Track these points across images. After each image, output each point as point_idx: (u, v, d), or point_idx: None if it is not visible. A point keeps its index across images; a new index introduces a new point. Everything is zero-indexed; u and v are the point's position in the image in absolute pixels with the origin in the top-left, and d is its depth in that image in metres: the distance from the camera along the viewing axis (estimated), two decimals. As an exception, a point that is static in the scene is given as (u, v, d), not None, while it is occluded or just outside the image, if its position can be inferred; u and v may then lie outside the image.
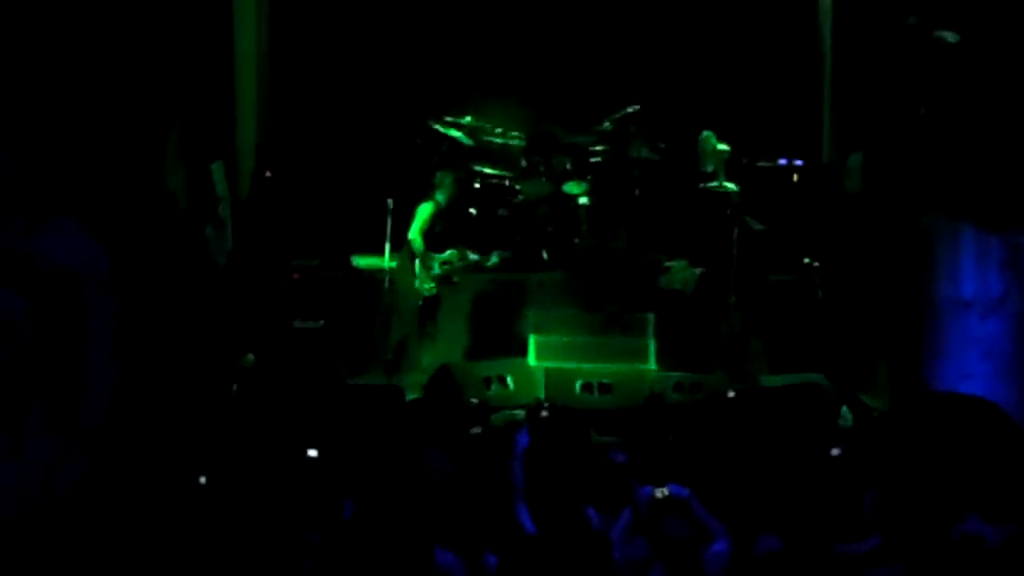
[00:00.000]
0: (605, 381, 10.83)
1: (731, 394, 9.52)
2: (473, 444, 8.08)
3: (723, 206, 12.22)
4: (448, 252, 11.67)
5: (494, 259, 12.08)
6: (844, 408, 9.47)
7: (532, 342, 11.35)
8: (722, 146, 12.70)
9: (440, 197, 11.78)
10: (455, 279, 11.70)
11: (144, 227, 9.48)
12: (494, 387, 10.75)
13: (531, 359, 11.27)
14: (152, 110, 10.25)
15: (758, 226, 11.84)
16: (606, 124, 12.81)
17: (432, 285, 11.60)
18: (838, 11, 13.01)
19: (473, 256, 11.91)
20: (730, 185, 12.48)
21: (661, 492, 6.31)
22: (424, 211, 11.67)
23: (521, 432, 7.34)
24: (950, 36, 10.28)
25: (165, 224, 10.00)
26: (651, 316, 11.40)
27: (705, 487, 6.63)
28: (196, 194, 11.21)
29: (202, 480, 6.45)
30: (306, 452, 7.04)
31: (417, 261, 11.56)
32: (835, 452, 7.29)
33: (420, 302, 11.61)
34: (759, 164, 12.72)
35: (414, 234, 11.55)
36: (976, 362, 9.71)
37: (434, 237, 11.69)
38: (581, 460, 7.17)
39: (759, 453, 7.66)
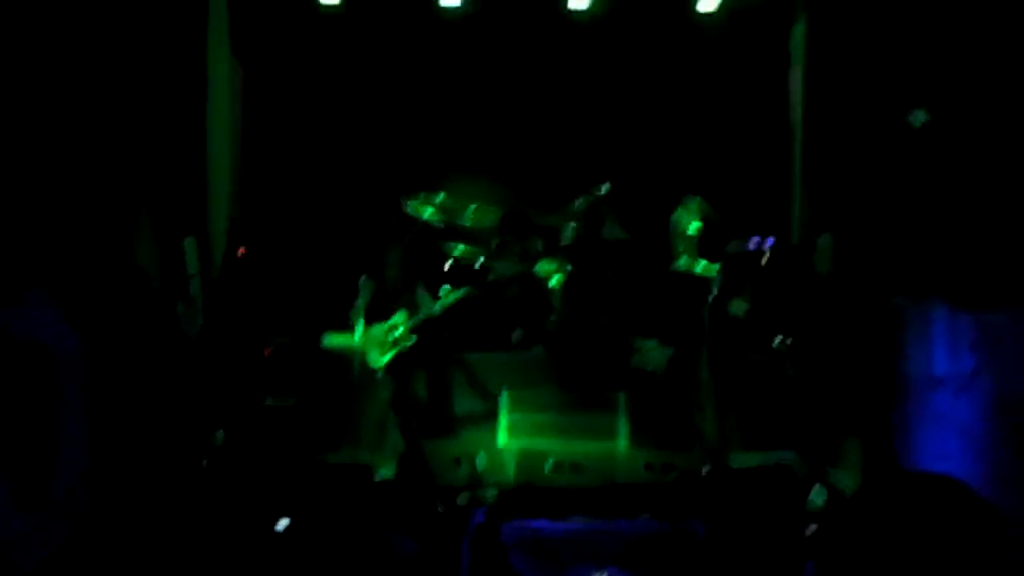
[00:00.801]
0: (575, 460, 10.79)
1: (705, 470, 9.52)
2: (437, 524, 8.07)
3: (694, 286, 12.27)
4: (394, 317, 11.60)
5: (453, 296, 11.83)
6: (816, 488, 9.47)
7: (503, 421, 11.32)
8: (694, 226, 12.79)
9: (388, 273, 11.74)
10: (406, 342, 11.58)
11: (115, 303, 9.45)
12: (464, 466, 10.68)
13: (502, 438, 11.23)
14: (124, 187, 10.26)
15: (739, 309, 11.85)
16: (578, 204, 12.83)
17: (381, 357, 11.53)
18: (809, 91, 13.15)
19: (429, 306, 11.72)
20: (701, 265, 12.56)
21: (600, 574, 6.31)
22: (364, 288, 11.64)
23: (476, 511, 7.36)
24: (920, 116, 10.39)
25: (136, 300, 9.97)
26: (622, 395, 11.39)
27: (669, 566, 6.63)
28: (168, 270, 11.19)
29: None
30: (275, 525, 7.01)
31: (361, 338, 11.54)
32: (810, 530, 7.28)
33: (389, 379, 11.56)
34: (730, 244, 12.76)
35: (352, 312, 11.55)
36: (949, 441, 9.71)
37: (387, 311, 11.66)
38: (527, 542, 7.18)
39: (731, 532, 7.66)
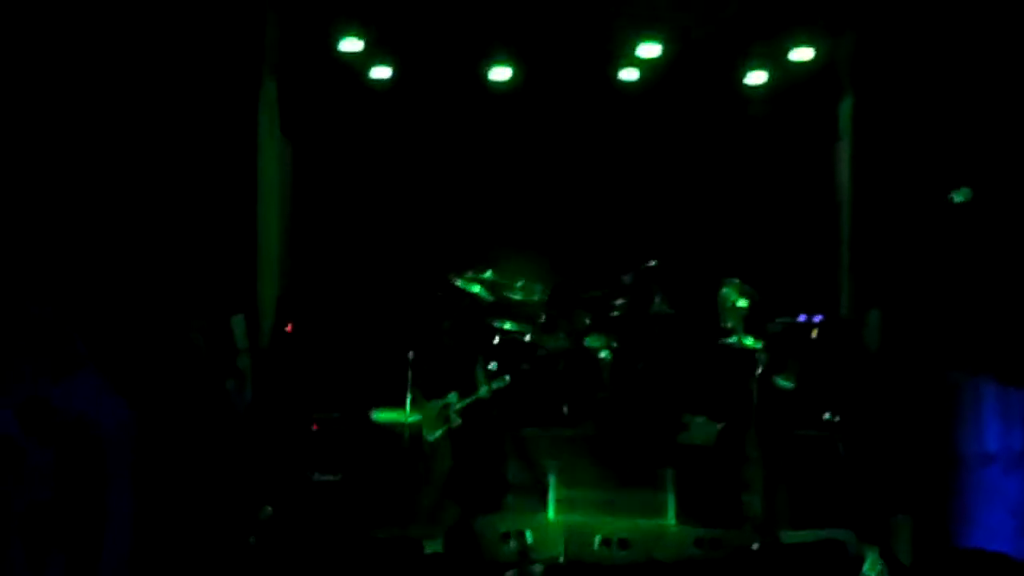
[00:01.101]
0: (624, 536, 10.74)
1: (755, 546, 9.46)
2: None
3: (742, 362, 12.22)
4: (449, 395, 11.59)
5: (500, 383, 11.82)
6: (866, 566, 9.41)
7: (552, 496, 11.29)
8: (742, 302, 12.74)
9: (445, 340, 11.76)
10: (455, 420, 11.57)
11: (165, 379, 9.52)
12: (512, 542, 10.65)
13: (550, 513, 11.20)
14: (175, 265, 10.36)
15: (787, 384, 11.80)
16: (626, 279, 12.84)
17: (434, 432, 11.53)
18: (856, 167, 13.15)
19: (480, 386, 11.70)
20: (749, 341, 12.50)
21: None
22: (416, 363, 11.65)
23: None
24: (963, 194, 10.38)
25: (186, 376, 10.04)
26: (670, 471, 11.35)
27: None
28: (217, 347, 11.26)
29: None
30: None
31: (418, 414, 11.56)
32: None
33: (439, 453, 11.55)
34: (778, 320, 12.72)
35: (411, 387, 11.57)
36: (1000, 518, 9.63)
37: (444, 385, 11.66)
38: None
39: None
